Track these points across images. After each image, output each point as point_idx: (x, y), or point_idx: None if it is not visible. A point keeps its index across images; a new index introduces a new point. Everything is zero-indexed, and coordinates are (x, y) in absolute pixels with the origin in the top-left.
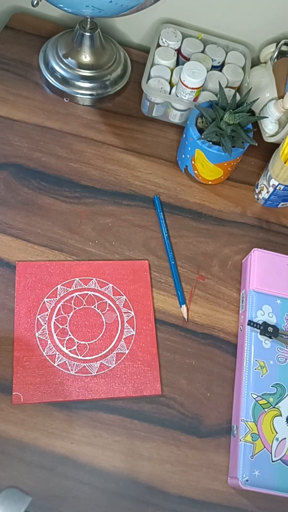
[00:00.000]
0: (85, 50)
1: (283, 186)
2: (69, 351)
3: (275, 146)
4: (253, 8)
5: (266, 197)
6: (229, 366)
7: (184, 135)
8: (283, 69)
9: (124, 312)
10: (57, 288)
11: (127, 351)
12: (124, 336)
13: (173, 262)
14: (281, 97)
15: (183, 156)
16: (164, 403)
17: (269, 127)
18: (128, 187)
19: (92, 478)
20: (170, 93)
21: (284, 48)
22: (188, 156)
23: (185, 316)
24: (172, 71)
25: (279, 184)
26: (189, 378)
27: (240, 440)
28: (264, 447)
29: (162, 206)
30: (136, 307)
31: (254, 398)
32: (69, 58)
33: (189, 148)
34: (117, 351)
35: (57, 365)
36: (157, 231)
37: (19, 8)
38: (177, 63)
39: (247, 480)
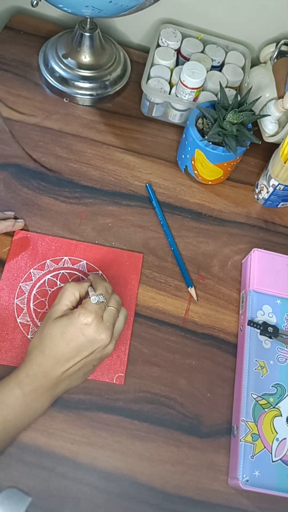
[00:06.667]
0: (85, 50)
1: (283, 186)
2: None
3: (275, 146)
4: (253, 8)
5: (266, 197)
6: (229, 366)
7: (184, 135)
8: (283, 69)
9: None
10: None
11: None
12: None
13: (174, 247)
14: (281, 97)
15: (183, 156)
16: (164, 403)
17: (269, 127)
18: (128, 187)
19: (92, 478)
20: (170, 93)
21: (284, 48)
22: (188, 156)
23: (194, 297)
24: (172, 71)
25: (279, 184)
26: (189, 378)
27: (240, 440)
28: (264, 447)
29: (156, 194)
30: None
31: (254, 398)
32: (69, 58)
33: (189, 148)
34: None
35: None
36: (157, 231)
37: (19, 8)
38: (177, 63)
39: (247, 480)
